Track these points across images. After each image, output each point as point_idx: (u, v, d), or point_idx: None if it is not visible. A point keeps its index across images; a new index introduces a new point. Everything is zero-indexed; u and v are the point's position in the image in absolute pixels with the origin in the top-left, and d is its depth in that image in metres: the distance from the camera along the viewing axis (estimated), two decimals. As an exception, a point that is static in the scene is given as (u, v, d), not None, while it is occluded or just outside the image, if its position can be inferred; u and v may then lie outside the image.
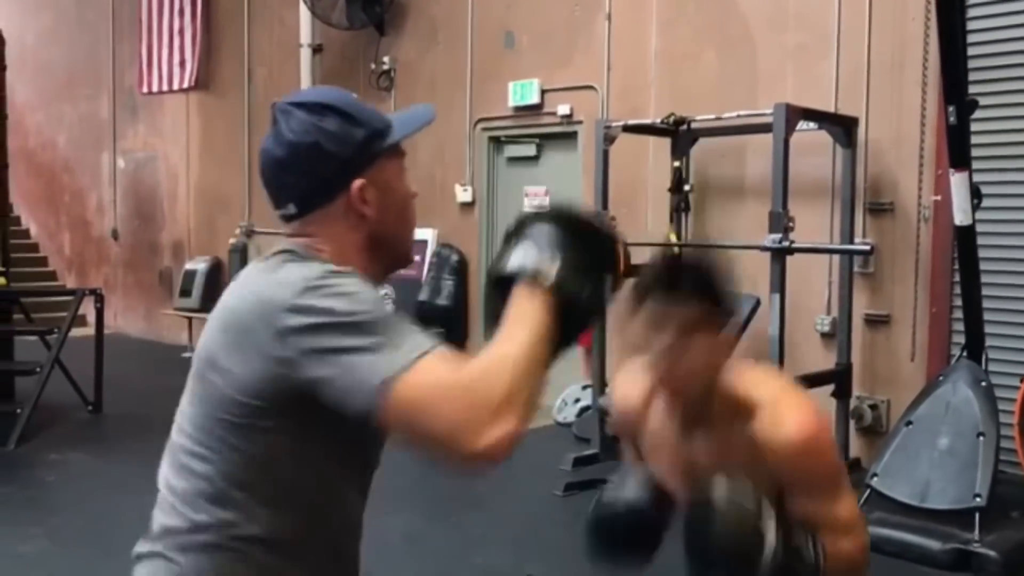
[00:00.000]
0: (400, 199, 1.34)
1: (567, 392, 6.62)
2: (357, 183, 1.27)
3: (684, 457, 1.62)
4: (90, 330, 7.19)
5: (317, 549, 1.30)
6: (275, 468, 1.24)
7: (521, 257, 1.23)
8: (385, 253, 1.34)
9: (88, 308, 7.34)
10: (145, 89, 10.40)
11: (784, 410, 1.56)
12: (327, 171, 1.27)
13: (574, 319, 1.24)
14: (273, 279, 1.22)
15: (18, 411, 6.12)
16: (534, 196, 7.21)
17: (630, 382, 1.71)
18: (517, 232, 1.29)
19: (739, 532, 1.44)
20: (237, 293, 1.27)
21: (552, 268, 1.21)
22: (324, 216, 1.29)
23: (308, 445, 1.25)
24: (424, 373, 1.12)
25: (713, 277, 1.51)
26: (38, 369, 6.36)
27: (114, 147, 11.28)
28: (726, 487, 1.47)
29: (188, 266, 9.92)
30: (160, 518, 1.30)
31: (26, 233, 12.49)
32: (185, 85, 9.96)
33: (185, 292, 9.68)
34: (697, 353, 1.49)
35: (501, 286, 1.24)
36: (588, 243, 1.27)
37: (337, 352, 1.14)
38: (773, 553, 1.44)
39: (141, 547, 1.33)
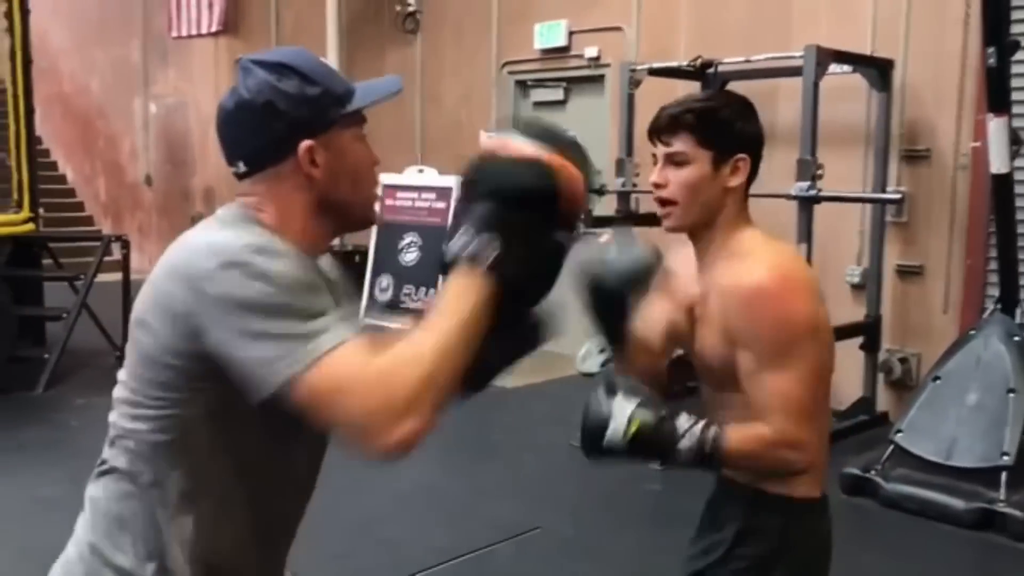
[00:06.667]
0: (354, 165, 1.33)
1: (591, 342, 6.53)
2: (304, 144, 1.27)
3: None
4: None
5: (237, 529, 1.31)
6: (193, 438, 1.25)
7: (457, 239, 1.21)
8: (334, 217, 1.34)
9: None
10: (175, 33, 10.33)
11: (753, 261, 1.60)
12: (277, 130, 1.27)
13: (521, 294, 1.23)
14: (202, 243, 1.23)
15: (46, 356, 6.20)
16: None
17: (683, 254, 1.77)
18: (464, 191, 1.27)
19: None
20: (174, 249, 1.28)
21: (487, 249, 1.19)
22: (272, 176, 1.29)
23: (230, 418, 1.24)
24: (332, 366, 1.11)
25: (708, 119, 1.62)
26: (64, 315, 6.42)
27: (146, 92, 11.27)
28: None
29: (219, 212, 9.94)
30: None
31: (63, 178, 12.59)
32: (213, 29, 9.87)
33: (216, 238, 9.71)
34: (688, 180, 1.61)
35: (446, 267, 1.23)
36: (533, 201, 1.21)
37: (242, 335, 1.14)
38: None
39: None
